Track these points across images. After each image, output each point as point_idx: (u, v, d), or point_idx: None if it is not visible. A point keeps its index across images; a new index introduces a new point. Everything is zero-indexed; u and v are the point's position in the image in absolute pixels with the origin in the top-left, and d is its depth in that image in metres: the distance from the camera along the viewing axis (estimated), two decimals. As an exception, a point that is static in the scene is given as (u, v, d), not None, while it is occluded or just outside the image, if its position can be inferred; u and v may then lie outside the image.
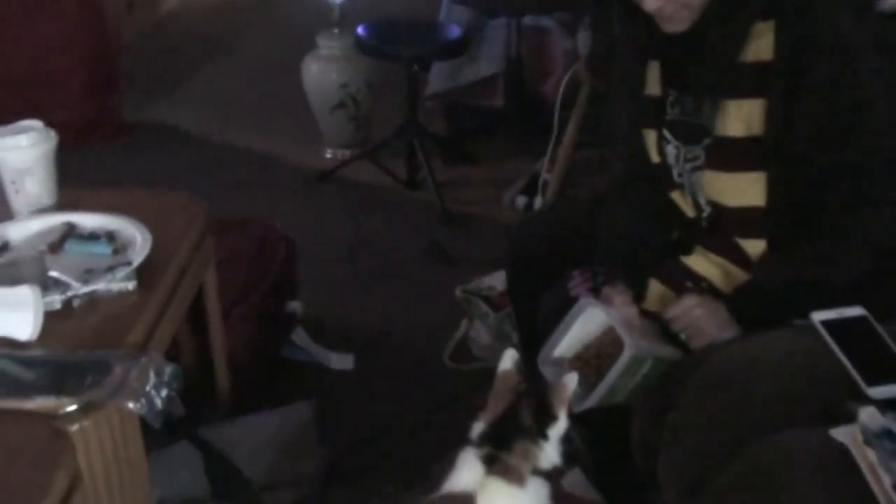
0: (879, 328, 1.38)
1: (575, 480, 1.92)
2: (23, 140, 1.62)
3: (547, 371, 1.56)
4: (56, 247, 1.56)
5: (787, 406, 1.30)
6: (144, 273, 1.49)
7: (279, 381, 2.35)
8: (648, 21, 1.50)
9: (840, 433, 1.18)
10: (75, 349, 1.33)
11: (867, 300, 1.41)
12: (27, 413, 1.20)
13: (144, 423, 1.31)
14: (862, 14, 1.51)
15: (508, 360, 1.40)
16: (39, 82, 3.65)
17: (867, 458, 1.14)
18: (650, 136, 1.65)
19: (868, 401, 1.25)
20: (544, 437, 1.33)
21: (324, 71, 3.62)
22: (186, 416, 1.82)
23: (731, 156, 1.52)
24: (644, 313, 1.59)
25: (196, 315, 1.89)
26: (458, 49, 3.44)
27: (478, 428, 1.36)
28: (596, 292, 1.65)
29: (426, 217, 3.28)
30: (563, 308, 1.60)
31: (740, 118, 1.49)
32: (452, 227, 3.22)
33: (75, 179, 1.81)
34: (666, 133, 1.62)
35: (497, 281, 2.51)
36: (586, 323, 1.57)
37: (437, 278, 2.84)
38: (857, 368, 1.31)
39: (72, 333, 1.38)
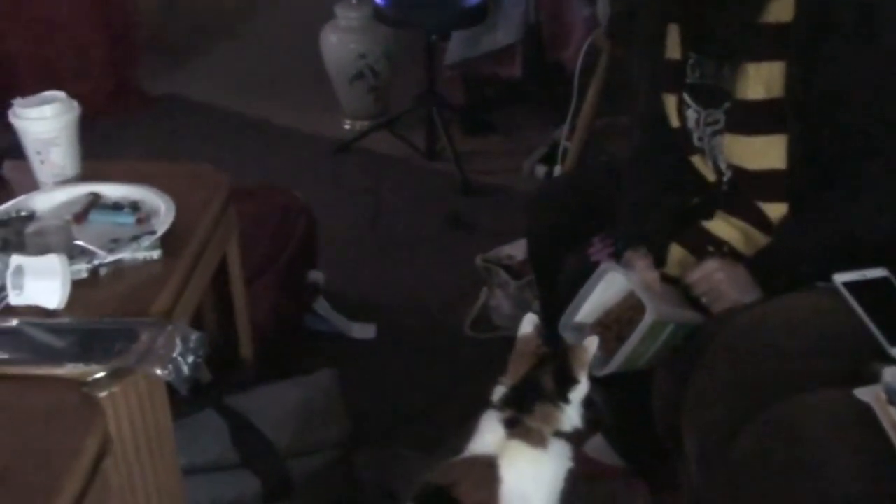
0: (902, 289, 1.38)
1: (597, 445, 1.93)
2: (47, 110, 1.63)
3: (568, 336, 1.56)
4: (81, 217, 1.57)
5: (810, 367, 1.30)
6: (169, 242, 1.50)
7: (302, 351, 2.37)
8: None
9: (864, 393, 1.18)
10: (102, 317, 1.34)
11: (890, 261, 1.41)
12: (57, 379, 1.22)
13: (170, 392, 1.33)
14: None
15: (529, 324, 1.41)
16: (60, 55, 3.65)
17: (891, 416, 1.14)
18: (670, 101, 1.65)
19: (892, 361, 1.25)
20: (565, 400, 1.34)
21: (342, 41, 3.62)
22: (211, 384, 1.86)
23: (751, 119, 1.52)
24: (665, 278, 1.59)
25: (219, 284, 1.90)
26: (477, 18, 3.42)
27: (499, 391, 1.38)
28: (617, 257, 1.65)
29: (446, 187, 3.28)
30: (584, 274, 1.60)
31: (760, 81, 1.49)
32: (472, 197, 3.22)
33: (97, 152, 1.82)
34: (686, 97, 1.62)
35: (517, 250, 2.51)
36: (607, 288, 1.57)
37: (456, 248, 2.84)
38: (880, 329, 1.31)
39: (98, 302, 1.39)
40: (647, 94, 1.73)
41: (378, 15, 3.45)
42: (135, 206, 1.59)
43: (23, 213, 1.57)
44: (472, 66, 3.71)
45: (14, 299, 1.33)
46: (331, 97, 3.77)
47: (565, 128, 3.09)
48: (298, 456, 1.80)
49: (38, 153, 1.66)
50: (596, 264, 1.61)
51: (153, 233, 1.49)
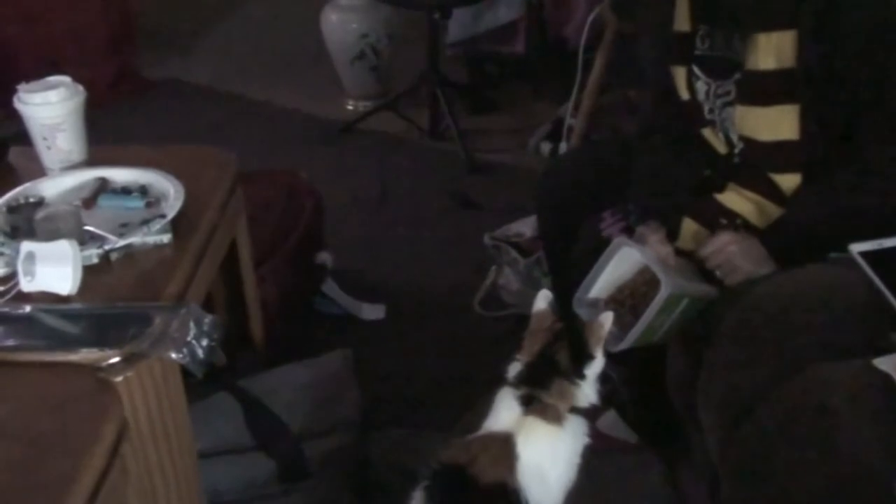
0: (920, 258, 1.37)
1: (610, 421, 1.93)
2: (52, 96, 1.62)
3: (582, 312, 1.55)
4: (90, 202, 1.56)
5: (827, 339, 1.30)
6: (179, 225, 1.49)
7: (312, 333, 2.37)
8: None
9: (883, 362, 1.17)
10: (115, 302, 1.34)
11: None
12: (73, 365, 1.21)
13: (183, 375, 1.33)
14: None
15: (543, 300, 1.41)
16: (61, 39, 3.64)
17: (911, 386, 1.14)
18: (679, 73, 1.63)
19: (910, 331, 1.25)
20: (581, 376, 1.34)
21: (343, 21, 3.59)
22: (224, 367, 1.85)
23: (762, 89, 1.51)
24: (678, 252, 1.58)
25: (227, 268, 1.90)
26: (478, -6, 3.40)
27: (515, 368, 1.37)
28: (629, 232, 1.64)
29: (450, 166, 3.26)
30: (596, 250, 1.59)
31: (771, 51, 1.47)
32: (477, 175, 3.21)
33: (101, 137, 1.81)
34: (696, 69, 1.60)
35: (525, 227, 2.50)
36: (620, 263, 1.56)
37: (464, 226, 2.83)
38: (898, 299, 1.30)
39: (110, 287, 1.38)
40: (655, 67, 1.72)
41: (379, -6, 3.43)
42: (143, 191, 1.58)
43: (31, 200, 1.56)
44: (475, 44, 3.69)
45: (26, 286, 1.33)
46: (333, 78, 3.75)
47: (570, 104, 3.07)
48: (312, 437, 1.80)
49: (45, 139, 1.65)
50: (608, 240, 1.61)
51: (163, 216, 1.48)
